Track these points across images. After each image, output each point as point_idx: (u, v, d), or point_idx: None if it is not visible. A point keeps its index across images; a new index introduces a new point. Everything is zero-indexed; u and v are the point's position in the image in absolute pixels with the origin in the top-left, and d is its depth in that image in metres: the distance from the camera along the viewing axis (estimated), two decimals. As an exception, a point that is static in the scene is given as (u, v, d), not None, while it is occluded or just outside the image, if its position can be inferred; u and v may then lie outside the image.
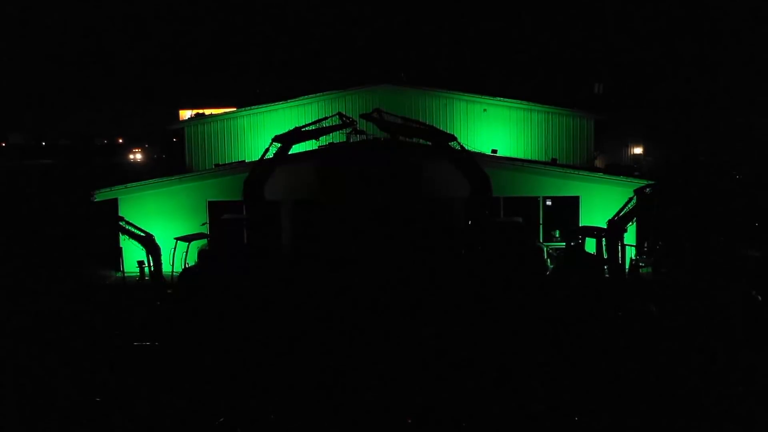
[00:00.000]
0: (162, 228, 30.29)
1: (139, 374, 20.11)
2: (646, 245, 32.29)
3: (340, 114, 30.24)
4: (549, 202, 33.39)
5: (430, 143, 30.12)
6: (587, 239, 28.71)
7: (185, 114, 47.30)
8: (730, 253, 32.20)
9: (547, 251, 30.50)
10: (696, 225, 34.12)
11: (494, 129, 38.49)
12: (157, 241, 28.62)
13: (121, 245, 29.62)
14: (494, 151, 36.61)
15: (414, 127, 29.98)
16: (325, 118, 30.34)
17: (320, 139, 30.58)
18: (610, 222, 26.57)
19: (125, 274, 30.80)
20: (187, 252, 28.36)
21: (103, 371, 20.31)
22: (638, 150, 66.03)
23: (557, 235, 32.81)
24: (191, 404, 18.33)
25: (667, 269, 31.38)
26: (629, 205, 26.31)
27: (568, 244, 28.81)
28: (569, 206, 32.55)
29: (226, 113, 38.93)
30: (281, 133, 29.78)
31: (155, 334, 23.15)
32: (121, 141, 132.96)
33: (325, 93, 38.12)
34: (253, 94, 41.41)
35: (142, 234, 27.72)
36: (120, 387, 19.27)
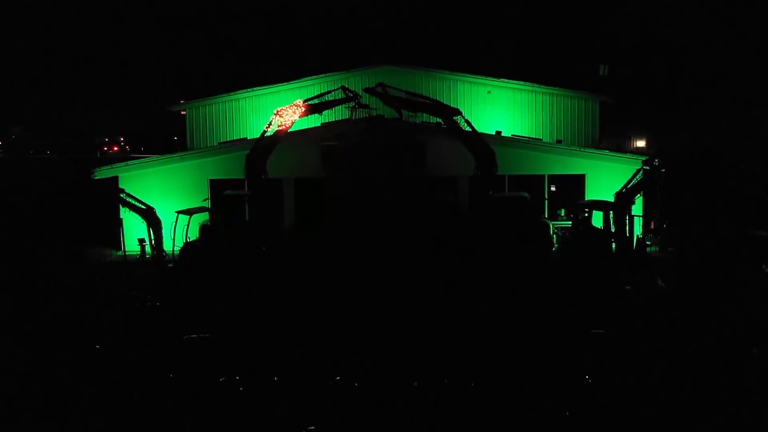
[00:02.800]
0: (163, 207, 29.74)
1: (138, 331, 19.77)
2: (653, 225, 31.94)
3: (343, 87, 29.95)
4: (553, 188, 33.03)
5: (435, 118, 29.86)
6: (594, 213, 28.37)
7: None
8: (739, 233, 31.84)
9: (553, 229, 30.15)
10: (704, 204, 33.74)
11: (498, 111, 38.07)
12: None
13: (121, 216, 29.15)
14: (498, 133, 36.22)
15: (418, 101, 29.68)
16: (329, 92, 30.03)
17: (323, 113, 30.27)
18: (618, 194, 26.21)
19: (126, 252, 30.39)
20: (188, 225, 27.94)
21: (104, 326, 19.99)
22: (641, 143, 65.76)
23: (562, 214, 32.44)
24: (193, 363, 17.96)
25: (675, 248, 31.03)
26: (637, 177, 25.94)
27: (575, 220, 28.45)
28: (575, 185, 32.13)
29: (228, 95, 38.49)
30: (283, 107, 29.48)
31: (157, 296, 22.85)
32: (122, 140, 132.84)
33: (327, 74, 37.70)
34: (254, 79, 40.96)
35: (142, 207, 27.36)
36: (119, 343, 18.93)
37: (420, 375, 17.82)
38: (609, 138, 48.77)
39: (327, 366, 18.03)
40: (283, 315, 21.58)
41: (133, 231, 30.85)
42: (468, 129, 28.96)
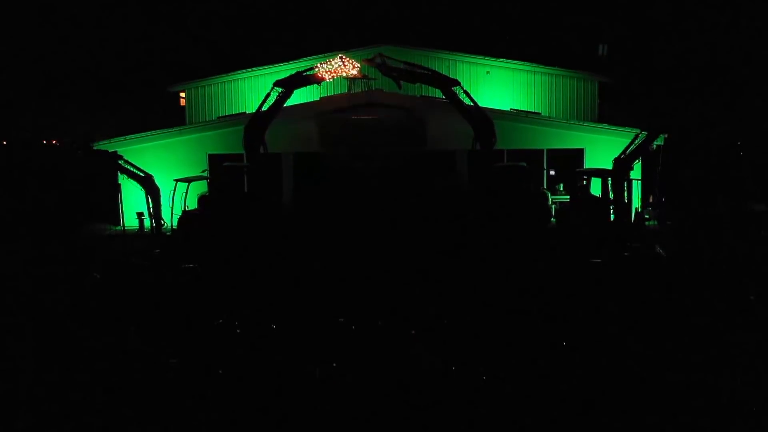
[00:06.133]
0: (162, 182, 29.60)
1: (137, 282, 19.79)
2: (651, 198, 31.94)
3: (341, 58, 29.94)
4: (552, 172, 33.01)
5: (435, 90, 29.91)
6: (594, 183, 28.37)
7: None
8: (737, 207, 31.87)
9: (551, 200, 30.15)
10: (702, 179, 33.79)
11: (497, 91, 38.04)
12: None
13: (119, 182, 29.05)
14: (497, 111, 36.26)
15: (417, 72, 29.73)
16: (327, 62, 30.03)
17: (321, 84, 30.29)
18: (617, 160, 26.17)
19: (125, 227, 30.29)
20: (186, 193, 27.93)
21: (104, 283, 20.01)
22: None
23: (561, 189, 32.42)
24: (191, 309, 17.96)
25: (673, 222, 31.02)
26: (636, 142, 25.90)
27: (573, 189, 28.44)
28: (574, 160, 32.04)
29: (227, 75, 38.51)
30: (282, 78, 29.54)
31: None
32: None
33: (326, 54, 37.57)
34: (253, 59, 40.96)
35: (141, 174, 27.33)
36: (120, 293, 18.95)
37: (418, 324, 17.80)
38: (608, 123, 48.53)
39: (324, 312, 18.04)
40: (281, 267, 21.60)
41: (132, 206, 30.83)
42: (467, 100, 28.98)
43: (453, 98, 28.83)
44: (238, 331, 16.75)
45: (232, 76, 38.59)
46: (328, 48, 38.61)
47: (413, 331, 17.66)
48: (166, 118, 45.20)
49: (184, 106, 39.54)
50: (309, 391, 13.85)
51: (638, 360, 15.01)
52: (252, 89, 38.28)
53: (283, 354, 15.52)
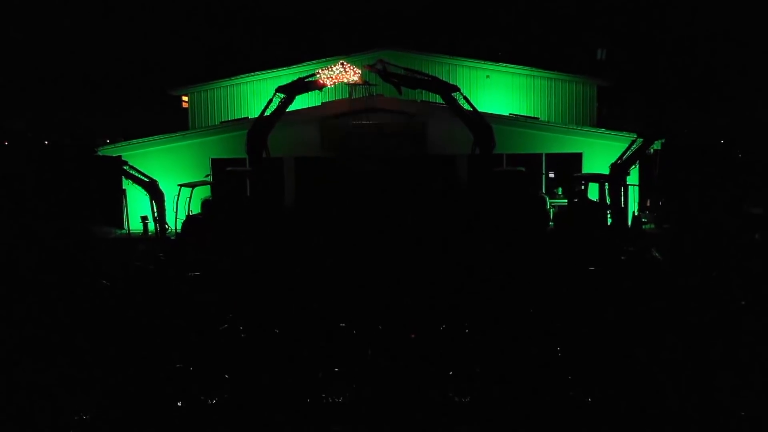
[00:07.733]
0: (165, 186, 29.97)
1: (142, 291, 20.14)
2: (649, 202, 32.30)
3: (342, 64, 30.31)
4: (552, 175, 33.37)
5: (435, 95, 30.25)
6: (591, 188, 28.72)
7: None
8: (734, 210, 32.21)
9: (550, 205, 30.50)
10: (699, 182, 34.13)
11: (497, 95, 38.45)
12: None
13: (124, 187, 29.46)
14: (496, 116, 36.57)
15: (417, 78, 30.09)
16: (329, 68, 30.40)
17: (323, 90, 30.68)
18: (614, 165, 26.54)
19: (129, 230, 30.72)
20: (190, 198, 28.34)
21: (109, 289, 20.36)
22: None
23: (560, 193, 32.78)
24: (194, 313, 18.32)
25: (671, 225, 31.37)
26: (633, 147, 26.26)
27: (570, 193, 28.79)
28: (572, 164, 32.43)
29: (229, 79, 38.93)
30: (284, 84, 29.92)
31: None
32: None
33: (327, 58, 38.00)
34: (255, 63, 41.38)
35: (145, 179, 27.73)
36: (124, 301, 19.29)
37: (418, 327, 18.12)
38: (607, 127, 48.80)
39: (325, 318, 18.38)
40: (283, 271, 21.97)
41: (136, 209, 31.28)
42: (467, 105, 29.36)
43: (452, 104, 29.19)
44: (242, 335, 17.12)
45: (234, 80, 39.00)
46: (329, 52, 39.05)
47: (412, 335, 18.02)
48: (169, 121, 45.66)
49: (186, 109, 39.96)
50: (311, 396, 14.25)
51: (636, 367, 15.27)
52: (254, 93, 38.69)
53: (286, 359, 15.88)
